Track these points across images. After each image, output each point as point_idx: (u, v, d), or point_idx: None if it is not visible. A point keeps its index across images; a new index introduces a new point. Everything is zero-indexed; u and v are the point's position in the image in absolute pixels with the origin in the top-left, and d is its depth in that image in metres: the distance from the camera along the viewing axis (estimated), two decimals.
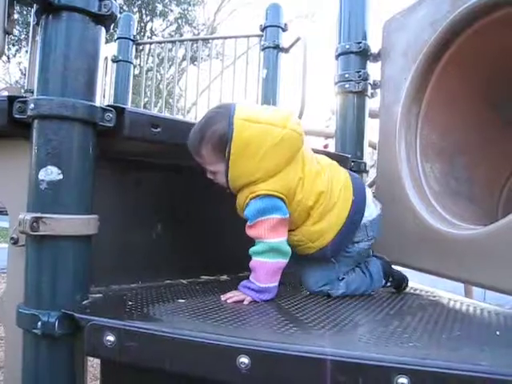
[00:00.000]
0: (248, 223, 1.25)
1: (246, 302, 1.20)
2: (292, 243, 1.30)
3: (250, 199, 1.24)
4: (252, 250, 1.25)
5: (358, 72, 1.95)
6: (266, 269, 1.23)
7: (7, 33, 1.07)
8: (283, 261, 1.25)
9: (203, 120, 1.27)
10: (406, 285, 1.49)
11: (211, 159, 1.26)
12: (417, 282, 1.62)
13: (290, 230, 1.30)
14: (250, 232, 1.25)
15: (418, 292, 1.50)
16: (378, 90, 1.91)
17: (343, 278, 1.37)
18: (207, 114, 1.30)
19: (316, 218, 1.31)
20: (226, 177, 1.25)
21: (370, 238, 1.38)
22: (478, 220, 1.40)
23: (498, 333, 1.04)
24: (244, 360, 0.84)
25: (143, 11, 14.69)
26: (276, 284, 1.25)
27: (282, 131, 1.22)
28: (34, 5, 1.09)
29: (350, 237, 1.35)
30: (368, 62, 1.99)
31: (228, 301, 1.20)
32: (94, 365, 2.06)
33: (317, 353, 0.83)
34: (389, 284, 1.48)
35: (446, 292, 1.51)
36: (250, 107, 1.29)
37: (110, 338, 0.92)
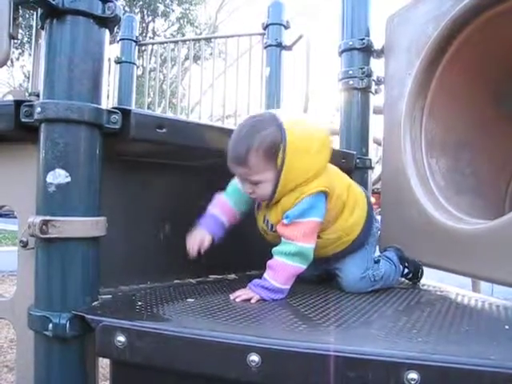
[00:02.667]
0: (284, 221, 1.24)
1: (253, 301, 1.19)
2: (325, 244, 1.33)
3: (301, 199, 1.24)
4: (278, 249, 1.24)
5: (362, 68, 1.95)
6: (288, 271, 1.23)
7: (12, 37, 1.07)
8: (304, 267, 1.25)
9: (246, 128, 1.24)
10: (423, 271, 1.54)
11: (259, 167, 1.22)
12: (424, 277, 1.62)
13: (325, 230, 1.32)
14: (284, 230, 1.25)
15: (425, 287, 1.50)
16: (382, 87, 1.91)
17: (378, 260, 1.44)
18: (249, 123, 1.26)
19: (348, 211, 1.36)
20: (276, 184, 1.23)
21: (375, 219, 1.47)
22: (484, 214, 1.40)
23: (506, 327, 1.04)
24: (254, 358, 0.85)
25: (145, 12, 14.70)
26: (289, 287, 1.25)
27: (324, 131, 1.29)
28: (39, 9, 1.10)
29: (370, 225, 1.42)
30: (371, 58, 1.99)
31: (237, 299, 1.20)
32: (103, 365, 2.07)
33: (326, 349, 0.84)
34: (406, 271, 1.52)
35: (454, 287, 1.51)
36: (288, 112, 1.29)
37: (121, 338, 0.93)
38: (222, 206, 1.38)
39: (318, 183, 1.25)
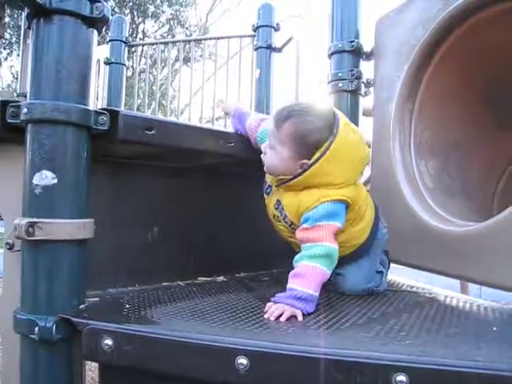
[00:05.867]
0: (306, 225, 1.22)
1: (284, 317, 1.06)
2: None
3: (322, 202, 1.22)
4: (305, 254, 1.18)
5: (352, 71, 1.95)
6: (320, 276, 1.16)
7: None
8: (330, 273, 1.19)
9: (305, 103, 1.26)
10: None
11: (285, 139, 1.22)
12: (413, 279, 1.62)
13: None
14: (307, 234, 1.21)
15: (414, 289, 1.50)
16: (372, 89, 1.92)
17: (381, 271, 1.42)
18: (310, 102, 1.27)
19: (358, 219, 1.35)
20: (304, 170, 1.22)
21: (385, 226, 1.45)
22: (473, 216, 1.41)
23: (494, 329, 1.05)
24: (242, 361, 0.84)
25: (135, 13, 14.64)
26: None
27: (367, 148, 1.31)
28: (25, 8, 1.09)
29: (376, 232, 1.41)
30: (361, 60, 2.00)
31: (271, 318, 1.06)
32: (92, 368, 2.06)
33: (314, 352, 0.84)
34: None
35: (442, 289, 1.52)
36: (346, 118, 1.30)
37: (108, 341, 0.92)
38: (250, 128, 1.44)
39: (345, 192, 1.24)
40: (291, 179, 1.25)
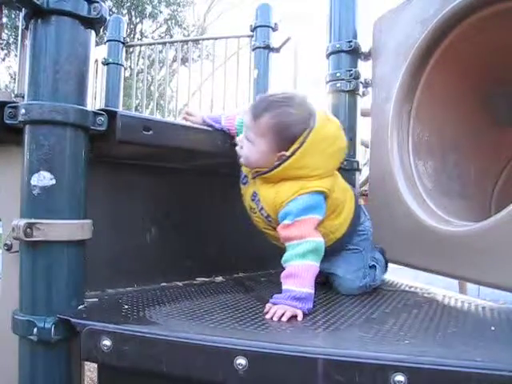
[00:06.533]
0: (287, 221, 1.19)
1: (285, 317, 1.06)
2: None
3: (300, 194, 1.20)
4: (292, 253, 1.17)
5: (349, 71, 1.95)
6: (312, 271, 1.16)
7: None
8: (318, 264, 1.19)
9: (282, 95, 1.23)
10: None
11: (263, 132, 1.20)
12: (411, 279, 1.62)
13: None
14: (289, 231, 1.19)
15: (412, 289, 1.50)
16: (370, 89, 1.92)
17: (373, 265, 1.41)
18: (287, 94, 1.24)
19: (337, 212, 1.35)
20: (281, 162, 1.21)
21: (368, 218, 1.47)
22: (471, 216, 1.41)
23: (492, 328, 1.05)
24: (241, 361, 0.84)
25: (132, 13, 14.61)
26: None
27: (345, 140, 1.31)
28: (23, 9, 1.08)
29: (357, 224, 1.41)
30: (359, 60, 2.00)
31: (274, 318, 1.06)
32: (91, 369, 2.05)
33: (313, 352, 0.84)
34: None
35: (441, 289, 1.52)
36: (324, 108, 1.34)
37: (107, 342, 0.92)
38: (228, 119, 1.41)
39: (321, 183, 1.23)
40: (268, 171, 1.24)
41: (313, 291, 1.15)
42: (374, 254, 1.46)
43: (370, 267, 1.41)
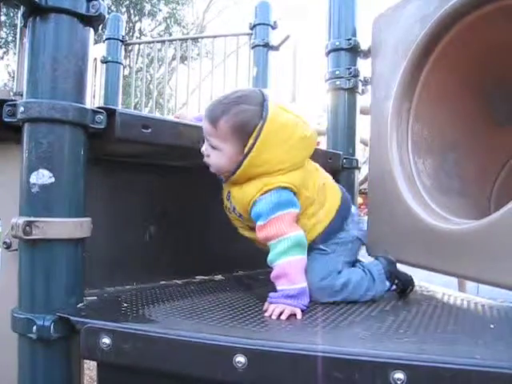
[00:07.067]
0: (260, 222, 1.18)
1: (284, 315, 1.08)
2: None
3: (265, 192, 1.17)
4: (275, 253, 1.15)
5: (349, 69, 1.96)
6: (299, 266, 1.14)
7: None
8: (306, 256, 1.17)
9: (234, 94, 1.20)
10: (412, 288, 1.39)
11: (226, 136, 1.18)
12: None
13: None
14: (266, 231, 1.17)
15: None
16: (369, 87, 1.92)
17: (341, 271, 1.30)
18: (236, 93, 1.22)
19: (310, 213, 1.29)
20: (241, 162, 1.17)
21: (360, 227, 1.41)
22: (470, 214, 1.41)
23: (492, 326, 1.05)
24: (240, 359, 0.84)
25: (131, 11, 14.59)
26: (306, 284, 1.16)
27: (309, 128, 1.22)
28: (21, 7, 1.08)
29: (337, 228, 1.34)
30: (358, 58, 2.00)
31: (273, 316, 1.08)
32: (90, 367, 2.05)
33: (313, 350, 0.84)
34: (394, 287, 1.37)
35: (440, 287, 1.52)
36: (279, 97, 1.24)
37: (106, 340, 0.92)
38: None
39: (286, 178, 1.19)
40: (232, 174, 1.21)
41: (305, 284, 1.15)
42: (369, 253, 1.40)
43: (337, 272, 1.29)
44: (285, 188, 1.19)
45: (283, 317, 1.07)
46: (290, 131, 1.18)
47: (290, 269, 1.14)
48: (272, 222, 1.16)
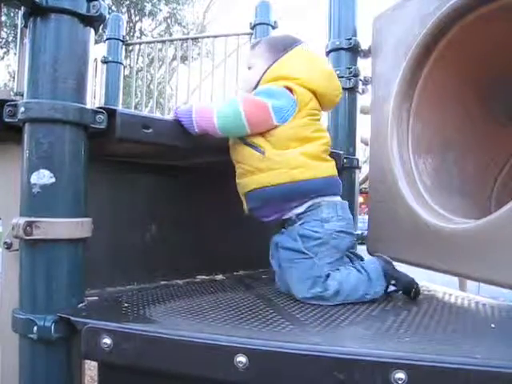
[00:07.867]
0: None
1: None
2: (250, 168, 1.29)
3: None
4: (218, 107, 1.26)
5: (349, 68, 1.96)
6: (208, 115, 1.24)
7: None
8: (219, 133, 1.25)
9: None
10: (417, 290, 1.31)
11: (261, 53, 1.41)
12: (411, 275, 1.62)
13: (266, 133, 1.28)
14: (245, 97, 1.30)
15: None
16: (369, 86, 1.92)
17: (329, 274, 1.24)
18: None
19: (300, 140, 1.29)
20: (266, 70, 1.37)
21: (339, 218, 1.30)
22: (471, 214, 1.41)
23: (492, 325, 1.05)
24: (242, 359, 0.84)
25: (132, 11, 14.59)
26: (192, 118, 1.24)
27: (330, 66, 1.54)
28: (22, 7, 1.08)
29: (319, 189, 1.30)
30: (358, 58, 2.00)
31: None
32: (91, 367, 2.05)
33: (314, 350, 0.84)
34: (393, 288, 1.32)
35: (441, 286, 1.52)
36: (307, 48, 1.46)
37: (107, 340, 0.92)
38: None
39: (295, 84, 1.31)
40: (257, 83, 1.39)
41: (193, 116, 1.23)
42: (339, 261, 1.31)
43: (325, 276, 1.24)
44: (285, 87, 1.31)
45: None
46: (315, 56, 1.43)
47: (201, 106, 1.26)
48: (249, 96, 1.31)
